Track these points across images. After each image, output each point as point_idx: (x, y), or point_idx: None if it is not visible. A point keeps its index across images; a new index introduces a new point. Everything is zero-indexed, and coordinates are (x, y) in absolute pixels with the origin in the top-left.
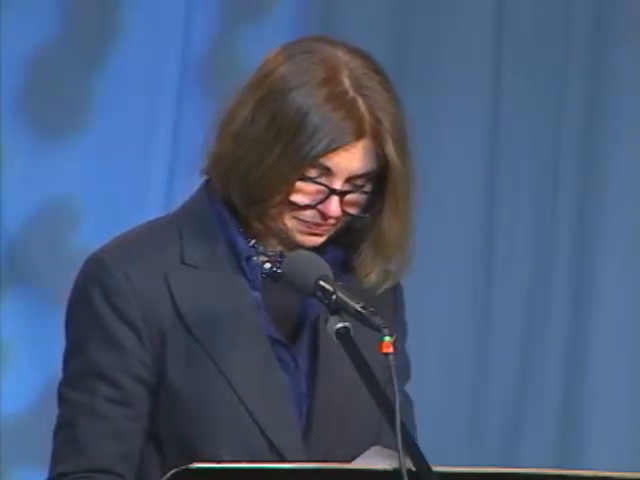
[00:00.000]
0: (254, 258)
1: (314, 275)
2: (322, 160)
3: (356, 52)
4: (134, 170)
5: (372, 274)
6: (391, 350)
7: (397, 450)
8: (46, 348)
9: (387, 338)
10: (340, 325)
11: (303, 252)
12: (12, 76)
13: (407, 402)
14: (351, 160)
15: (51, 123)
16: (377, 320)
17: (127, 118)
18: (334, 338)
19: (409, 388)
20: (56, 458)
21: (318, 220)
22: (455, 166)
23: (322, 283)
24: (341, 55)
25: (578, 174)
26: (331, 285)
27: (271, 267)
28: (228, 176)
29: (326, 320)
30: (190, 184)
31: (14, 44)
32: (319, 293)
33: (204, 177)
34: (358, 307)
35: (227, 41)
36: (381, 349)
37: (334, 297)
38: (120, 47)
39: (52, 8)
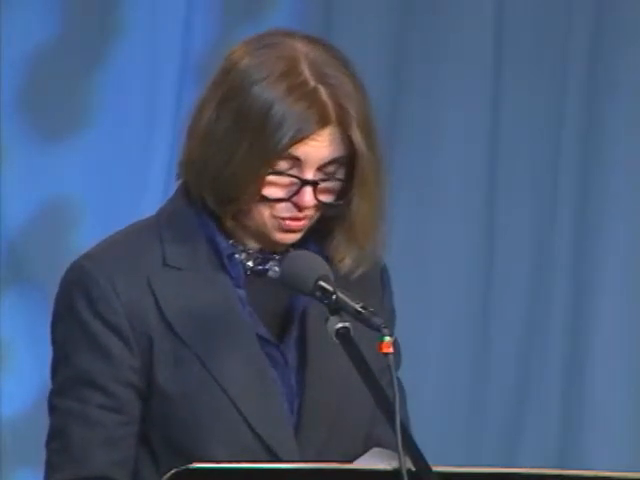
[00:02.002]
0: (236, 256)
1: (314, 275)
2: (290, 151)
3: (316, 42)
4: (134, 170)
5: (346, 260)
6: (391, 350)
7: (397, 450)
8: (46, 348)
9: (387, 338)
10: (340, 325)
11: (302, 252)
12: (12, 76)
13: (400, 390)
14: (319, 149)
15: (51, 123)
16: (377, 320)
17: (127, 118)
18: (334, 338)
19: (403, 377)
20: (50, 468)
21: (294, 213)
22: (455, 166)
23: (322, 283)
24: (300, 46)
25: (578, 174)
26: (331, 285)
27: (254, 263)
28: (200, 178)
29: (326, 320)
30: None
31: (14, 44)
32: (318, 293)
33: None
34: (358, 307)
35: (227, 41)
36: (381, 349)
37: (334, 297)
38: (120, 47)
39: (52, 8)
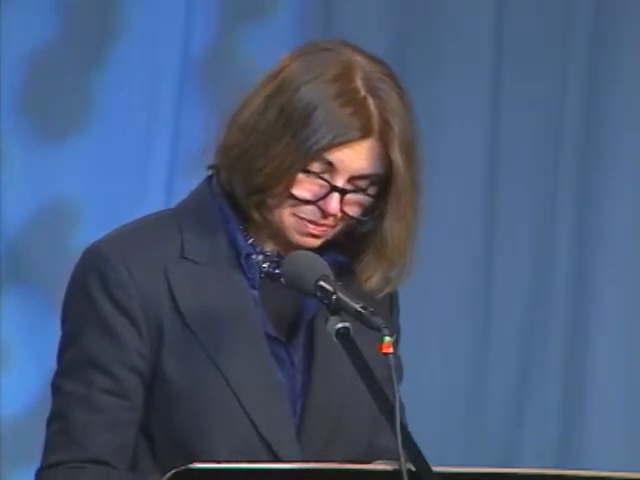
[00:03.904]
0: (253, 256)
1: (314, 275)
2: (325, 154)
3: (374, 58)
4: (134, 170)
5: (373, 278)
6: (391, 350)
7: (397, 450)
8: (46, 348)
9: (387, 338)
10: (340, 325)
11: (303, 252)
12: (12, 76)
13: (401, 406)
14: (355, 158)
15: (51, 123)
16: (377, 320)
17: (127, 118)
18: (334, 338)
19: (403, 390)
20: (49, 448)
21: (317, 218)
22: (455, 165)
23: (322, 283)
24: (358, 58)
25: (578, 174)
26: (331, 285)
27: (269, 267)
28: (234, 166)
29: (326, 320)
30: (189, 184)
31: (14, 44)
32: (319, 293)
33: (208, 172)
34: (358, 307)
35: (227, 41)
36: (381, 349)
37: (334, 297)
38: (120, 47)
39: (52, 8)
